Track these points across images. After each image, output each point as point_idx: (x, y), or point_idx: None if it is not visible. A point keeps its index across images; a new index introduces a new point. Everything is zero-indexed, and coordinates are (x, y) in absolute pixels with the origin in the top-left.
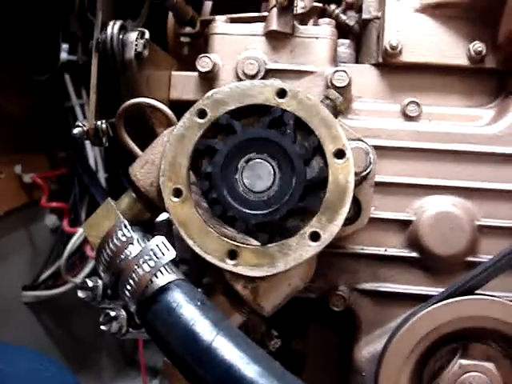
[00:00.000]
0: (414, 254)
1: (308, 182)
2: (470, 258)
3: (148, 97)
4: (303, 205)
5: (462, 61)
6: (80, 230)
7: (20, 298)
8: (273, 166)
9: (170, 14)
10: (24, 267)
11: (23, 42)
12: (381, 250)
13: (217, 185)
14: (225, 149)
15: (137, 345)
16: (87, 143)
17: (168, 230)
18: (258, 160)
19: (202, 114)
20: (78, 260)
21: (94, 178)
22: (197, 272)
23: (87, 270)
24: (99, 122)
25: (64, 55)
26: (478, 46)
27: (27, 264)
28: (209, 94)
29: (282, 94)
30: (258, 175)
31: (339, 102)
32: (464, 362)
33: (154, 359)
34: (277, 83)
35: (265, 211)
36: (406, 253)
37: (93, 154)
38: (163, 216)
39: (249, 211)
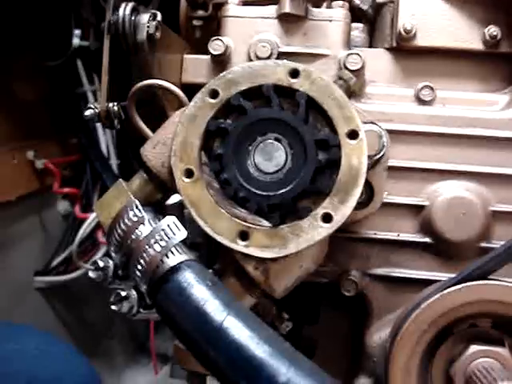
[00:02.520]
0: (426, 240)
1: (320, 163)
2: (484, 244)
3: (160, 79)
4: (315, 186)
5: (477, 45)
6: (92, 216)
7: (32, 283)
8: (284, 147)
9: None
10: (36, 253)
11: (36, 28)
12: (393, 235)
13: (228, 166)
14: (236, 130)
15: (148, 331)
16: (99, 130)
17: (180, 213)
18: (269, 141)
19: (214, 94)
20: (89, 246)
21: (106, 164)
22: (208, 257)
23: (99, 255)
24: (111, 104)
25: (76, 41)
26: (493, 30)
27: (39, 249)
28: (221, 74)
29: (294, 73)
30: (270, 156)
31: (352, 82)
32: (476, 347)
33: (165, 346)
34: (290, 63)
35: (276, 192)
36: (418, 238)
37: (105, 141)
38: (175, 199)
39: (260, 192)
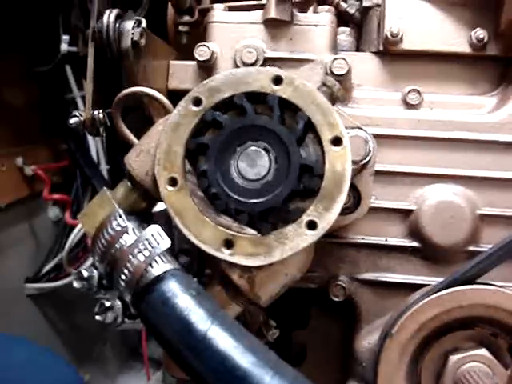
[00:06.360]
0: (414, 244)
1: (304, 160)
2: (472, 248)
3: (145, 86)
4: (303, 185)
5: (464, 48)
6: None
7: (23, 290)
8: (267, 152)
9: (170, 4)
10: (26, 259)
11: (25, 34)
12: (381, 240)
13: (214, 180)
14: (215, 144)
15: (141, 337)
16: (89, 135)
17: (167, 221)
18: (251, 148)
19: (197, 101)
20: (80, 252)
21: (96, 170)
22: (198, 263)
23: (90, 262)
24: (96, 112)
25: (65, 47)
26: (480, 32)
27: (30, 256)
28: (204, 81)
29: (277, 80)
30: (254, 163)
31: (336, 88)
32: (464, 353)
33: (158, 351)
34: (272, 70)
35: (266, 198)
36: (406, 242)
37: (94, 146)
38: (161, 206)
39: (251, 200)
